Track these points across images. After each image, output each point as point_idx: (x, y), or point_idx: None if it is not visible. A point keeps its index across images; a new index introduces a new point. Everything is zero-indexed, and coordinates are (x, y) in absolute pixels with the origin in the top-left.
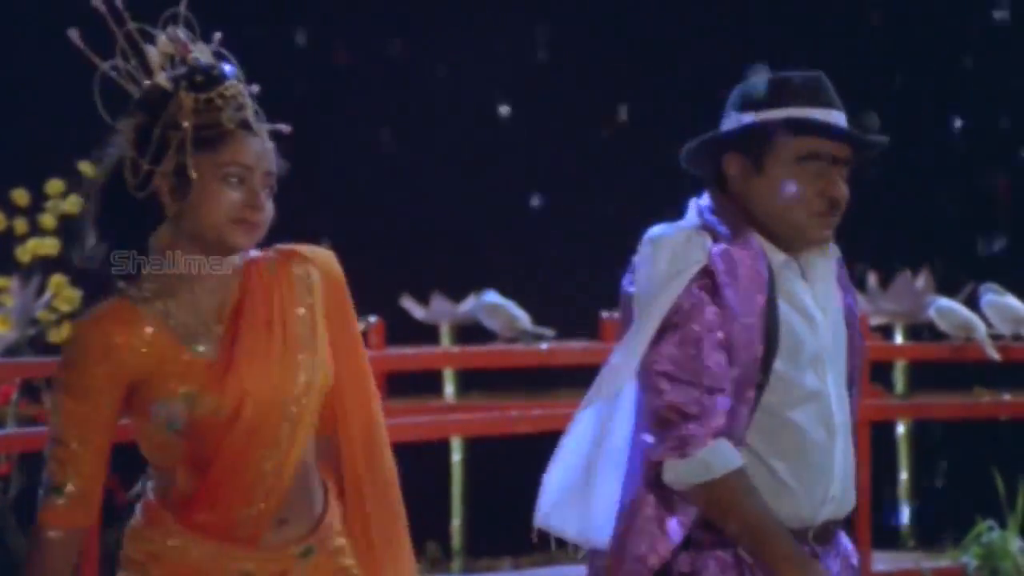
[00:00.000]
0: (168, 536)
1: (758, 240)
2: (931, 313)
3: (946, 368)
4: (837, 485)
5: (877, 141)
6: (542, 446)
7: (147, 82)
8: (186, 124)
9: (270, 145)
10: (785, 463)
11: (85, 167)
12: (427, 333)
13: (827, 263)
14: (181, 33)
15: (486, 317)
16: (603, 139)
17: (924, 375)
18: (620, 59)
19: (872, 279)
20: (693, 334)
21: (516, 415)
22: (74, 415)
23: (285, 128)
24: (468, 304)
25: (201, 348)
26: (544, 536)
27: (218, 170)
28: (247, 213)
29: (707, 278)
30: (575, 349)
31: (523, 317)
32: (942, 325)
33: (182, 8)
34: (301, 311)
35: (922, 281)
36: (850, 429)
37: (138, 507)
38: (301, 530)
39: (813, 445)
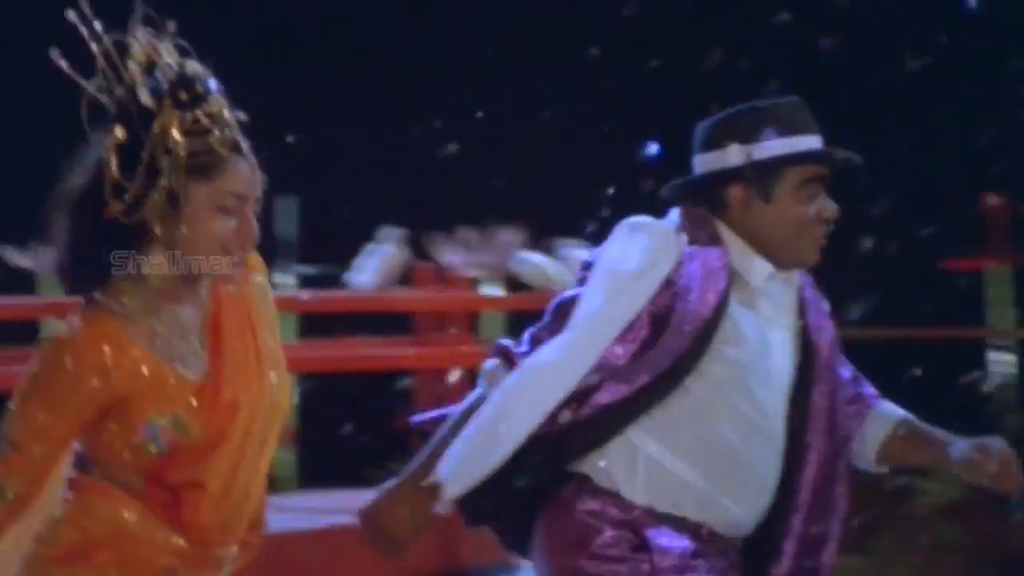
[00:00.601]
0: (124, 509)
1: (729, 256)
2: (515, 265)
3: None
4: (754, 506)
5: (857, 162)
6: None
7: (119, 92)
8: (178, 150)
9: (258, 168)
10: (694, 467)
11: None
12: (27, 281)
13: (789, 291)
14: (148, 34)
15: None
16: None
17: (520, 325)
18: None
19: (473, 235)
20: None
21: None
22: (43, 427)
23: (242, 116)
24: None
25: (187, 369)
26: None
27: (212, 199)
28: (239, 242)
29: (669, 277)
30: None
31: None
32: (525, 277)
33: (141, 5)
34: (267, 326)
35: (511, 235)
36: (783, 450)
37: (68, 490)
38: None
39: (731, 458)
